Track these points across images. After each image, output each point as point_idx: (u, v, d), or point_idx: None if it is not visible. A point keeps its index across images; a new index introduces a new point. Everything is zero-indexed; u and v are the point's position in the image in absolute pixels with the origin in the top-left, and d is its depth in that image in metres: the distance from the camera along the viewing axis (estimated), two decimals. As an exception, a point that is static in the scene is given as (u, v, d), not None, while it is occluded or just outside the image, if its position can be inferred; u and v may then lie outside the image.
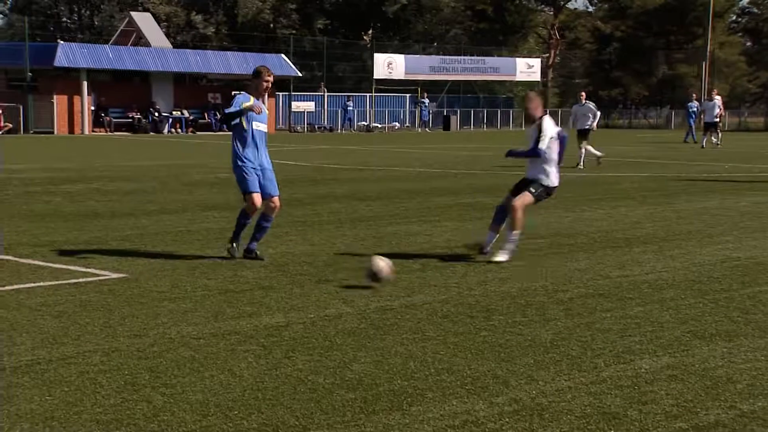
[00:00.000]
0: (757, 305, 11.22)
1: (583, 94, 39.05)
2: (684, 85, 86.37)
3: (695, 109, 60.02)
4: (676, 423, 6.95)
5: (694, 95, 67.65)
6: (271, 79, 14.88)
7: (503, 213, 14.16)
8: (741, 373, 8.28)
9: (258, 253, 14.23)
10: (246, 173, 14.15)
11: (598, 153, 33.98)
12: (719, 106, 51.99)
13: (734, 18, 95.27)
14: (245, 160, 14.16)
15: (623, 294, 11.82)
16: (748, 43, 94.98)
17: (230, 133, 14.18)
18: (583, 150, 33.19)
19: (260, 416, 7.06)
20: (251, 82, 15.10)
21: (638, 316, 10.52)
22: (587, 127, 34.63)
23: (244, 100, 14.28)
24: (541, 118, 14.30)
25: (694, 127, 58.91)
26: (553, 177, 14.46)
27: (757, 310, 11.00)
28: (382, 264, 9.70)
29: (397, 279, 12.45)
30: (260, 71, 14.88)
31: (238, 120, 14.19)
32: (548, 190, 14.54)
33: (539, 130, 14.02)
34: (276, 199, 14.35)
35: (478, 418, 7.04)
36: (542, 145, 14.09)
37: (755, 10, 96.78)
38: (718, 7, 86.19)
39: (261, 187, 14.24)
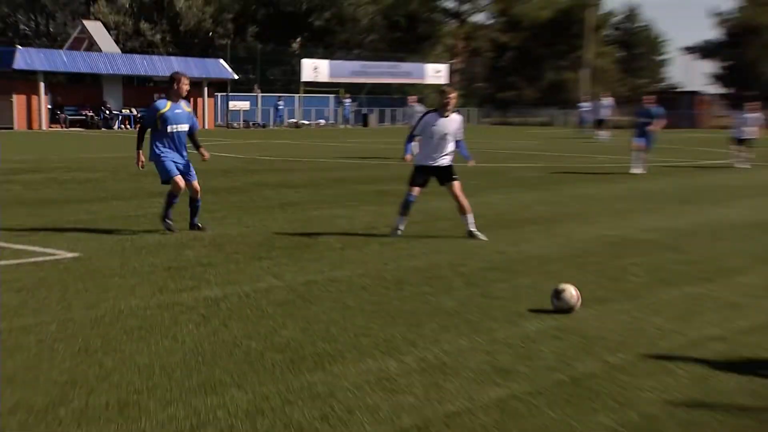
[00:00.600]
0: (625, 275, 11.55)
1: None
2: (568, 89, 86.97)
3: (585, 109, 60.35)
4: (555, 375, 7.17)
5: (582, 97, 68.26)
6: (187, 84, 15.01)
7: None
8: (610, 332, 8.63)
9: (200, 225, 14.74)
10: (164, 162, 14.41)
11: None
12: (609, 106, 52.69)
13: (608, 32, 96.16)
14: (162, 151, 14.47)
15: (515, 267, 11.99)
16: (619, 54, 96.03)
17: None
18: None
19: (200, 376, 7.15)
20: (170, 88, 15.14)
21: (527, 286, 10.70)
22: None
23: (160, 106, 14.50)
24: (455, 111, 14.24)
25: (586, 124, 59.21)
26: None
27: (624, 278, 11.34)
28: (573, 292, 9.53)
29: (322, 257, 12.67)
30: (174, 77, 15.04)
31: (154, 124, 14.67)
32: None
33: (460, 123, 14.23)
34: (195, 183, 14.61)
35: (390, 375, 7.21)
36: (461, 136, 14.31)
37: (627, 25, 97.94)
38: (595, 22, 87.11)
39: (183, 174, 14.49)
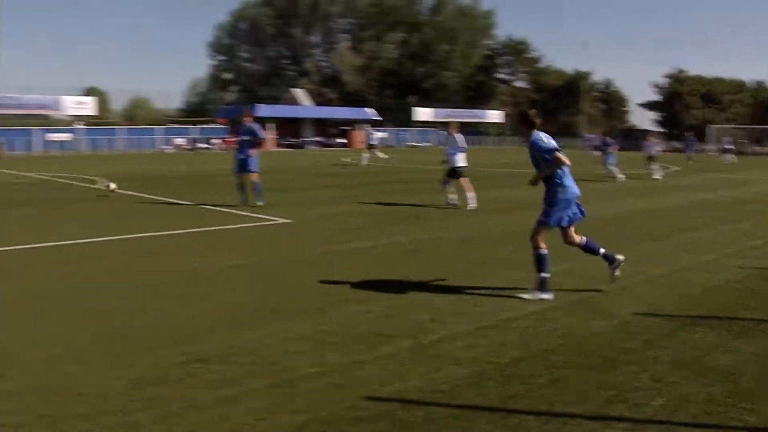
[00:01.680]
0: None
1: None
2: (572, 127, 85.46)
3: (593, 143, 58.22)
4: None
5: (593, 134, 66.68)
6: (250, 116, 15.59)
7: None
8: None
9: None
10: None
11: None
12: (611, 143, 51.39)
13: (595, 93, 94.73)
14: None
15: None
16: (601, 106, 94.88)
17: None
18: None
19: (366, 285, 7.19)
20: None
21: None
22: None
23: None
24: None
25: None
26: None
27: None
28: None
29: (430, 224, 12.24)
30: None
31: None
32: None
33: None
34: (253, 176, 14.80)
35: (479, 292, 7.17)
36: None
37: (606, 89, 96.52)
38: (587, 87, 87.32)
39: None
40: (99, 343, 5.50)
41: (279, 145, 64.39)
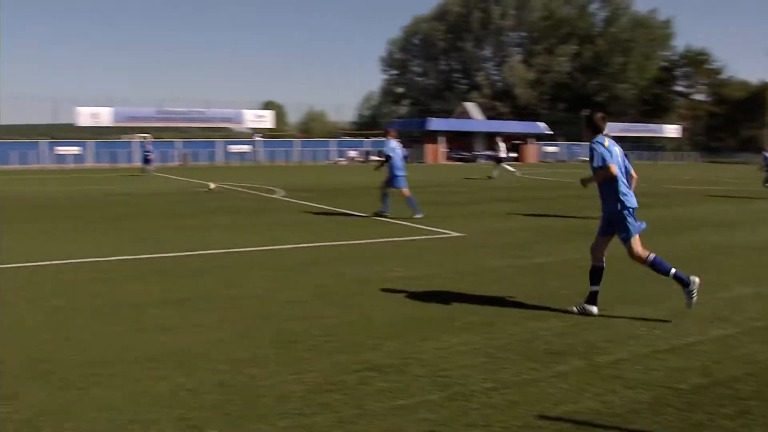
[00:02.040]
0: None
1: None
2: (756, 141, 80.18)
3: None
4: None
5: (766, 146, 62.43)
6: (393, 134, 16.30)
7: None
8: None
9: None
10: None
11: None
12: None
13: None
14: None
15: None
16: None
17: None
18: None
19: (530, 305, 7.09)
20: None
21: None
22: None
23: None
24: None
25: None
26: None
27: None
28: None
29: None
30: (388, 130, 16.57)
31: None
32: None
33: None
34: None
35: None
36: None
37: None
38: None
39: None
40: (278, 348, 5.75)
41: (450, 159, 64.74)
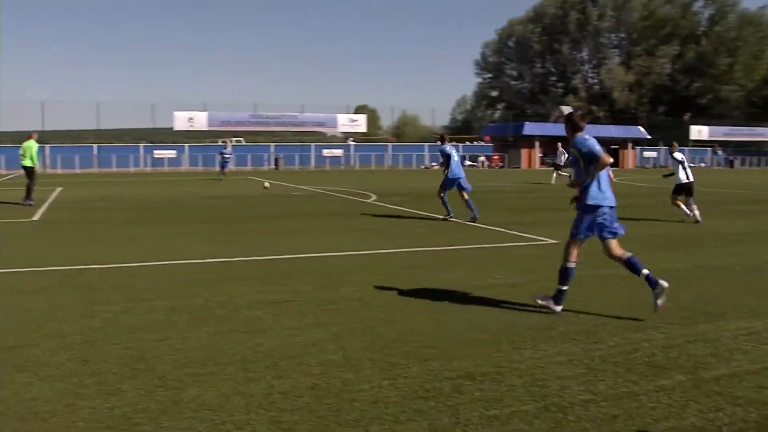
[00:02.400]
0: None
1: None
2: None
3: None
4: None
5: None
6: (445, 137, 16.61)
7: None
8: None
9: None
10: None
11: None
12: None
13: None
14: None
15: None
16: None
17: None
18: None
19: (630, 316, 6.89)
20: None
21: None
22: None
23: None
24: None
25: None
26: None
27: None
28: None
29: (706, 251, 11.55)
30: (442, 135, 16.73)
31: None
32: None
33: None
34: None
35: (757, 329, 6.64)
36: None
37: None
38: None
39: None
40: (372, 352, 5.76)
41: (545, 164, 63.88)
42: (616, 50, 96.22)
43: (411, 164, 62.01)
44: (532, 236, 13.11)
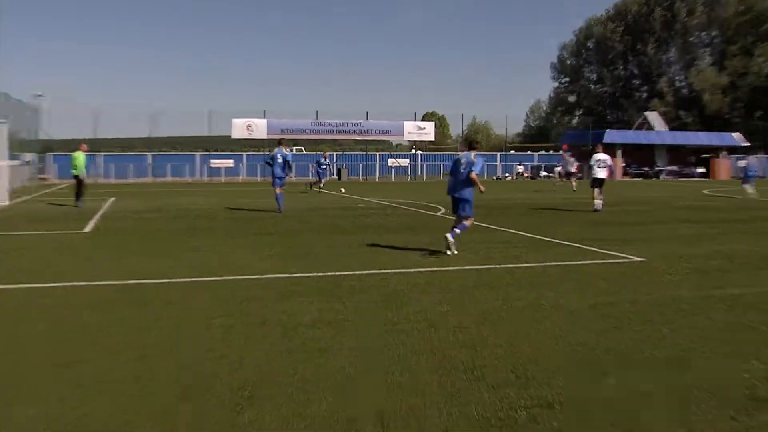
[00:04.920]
0: None
1: None
2: None
3: None
4: None
5: None
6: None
7: None
8: None
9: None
10: None
11: None
12: None
13: None
14: None
15: None
16: None
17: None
18: None
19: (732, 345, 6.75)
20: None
21: None
22: None
23: None
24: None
25: None
26: None
27: None
28: None
29: None
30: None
31: None
32: None
33: None
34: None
35: None
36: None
37: None
38: None
39: None
40: (441, 376, 5.71)
41: (627, 175, 62.97)
42: (707, 49, 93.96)
43: (483, 175, 61.59)
44: (616, 253, 12.90)
